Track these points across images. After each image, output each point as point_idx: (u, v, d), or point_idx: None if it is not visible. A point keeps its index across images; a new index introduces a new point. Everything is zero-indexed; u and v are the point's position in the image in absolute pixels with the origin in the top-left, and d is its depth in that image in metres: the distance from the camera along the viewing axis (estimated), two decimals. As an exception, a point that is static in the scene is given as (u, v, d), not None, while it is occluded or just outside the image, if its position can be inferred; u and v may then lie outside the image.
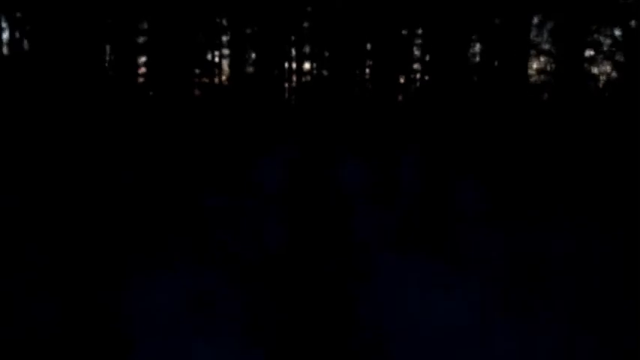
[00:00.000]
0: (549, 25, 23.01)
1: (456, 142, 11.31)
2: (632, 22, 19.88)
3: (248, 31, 24.22)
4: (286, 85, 27.97)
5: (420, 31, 25.49)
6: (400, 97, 23.64)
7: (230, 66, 23.92)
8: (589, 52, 21.35)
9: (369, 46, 26.20)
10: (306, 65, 28.67)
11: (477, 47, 23.09)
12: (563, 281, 4.62)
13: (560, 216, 7.22)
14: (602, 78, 21.80)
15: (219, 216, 6.34)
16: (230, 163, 9.77)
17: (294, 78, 28.38)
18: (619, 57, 21.31)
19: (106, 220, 5.66)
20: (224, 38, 26.30)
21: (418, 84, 26.57)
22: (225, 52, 26.49)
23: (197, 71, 24.57)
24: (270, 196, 7.43)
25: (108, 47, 23.44)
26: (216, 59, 26.59)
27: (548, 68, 23.62)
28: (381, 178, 8.55)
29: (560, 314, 4.15)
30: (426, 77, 25.87)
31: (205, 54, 24.76)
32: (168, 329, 3.81)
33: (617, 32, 21.50)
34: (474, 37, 20.58)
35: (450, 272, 4.88)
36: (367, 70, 27.26)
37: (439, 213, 6.08)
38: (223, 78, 27.07)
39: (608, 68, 22.63)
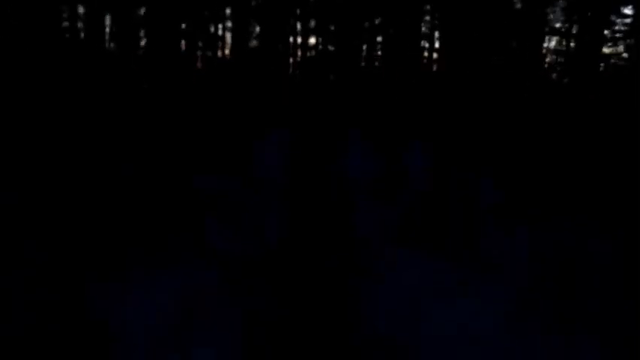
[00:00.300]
0: (562, 4, 22.74)
1: (465, 130, 11.32)
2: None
3: (252, 3, 23.97)
4: (291, 60, 27.74)
5: (428, 7, 25.19)
6: (408, 76, 23.45)
7: (233, 39, 23.73)
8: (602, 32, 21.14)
9: (377, 21, 25.95)
10: (312, 40, 28.38)
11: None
12: (564, 281, 4.64)
13: (573, 214, 7.20)
14: (613, 60, 21.62)
15: (220, 208, 6.32)
16: (231, 146, 9.72)
17: (299, 53, 28.13)
18: (632, 39, 21.10)
19: (105, 215, 5.70)
20: (227, 10, 26.04)
21: (425, 61, 26.29)
22: (229, 24, 26.22)
23: (200, 44, 24.52)
24: (271, 182, 7.37)
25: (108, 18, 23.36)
26: (220, 32, 26.35)
27: (559, 48, 23.42)
28: (385, 168, 8.47)
29: (563, 313, 4.18)
30: (434, 55, 25.66)
31: (208, 26, 24.57)
32: (165, 331, 3.85)
33: (631, 12, 21.27)
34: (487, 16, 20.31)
35: (453, 270, 4.87)
36: (376, 46, 27.04)
37: (444, 208, 6.06)
38: (227, 52, 26.88)
39: (620, 49, 22.42)
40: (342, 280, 4.36)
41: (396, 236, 5.47)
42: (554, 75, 22.95)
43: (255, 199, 6.55)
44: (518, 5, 21.22)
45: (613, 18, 21.45)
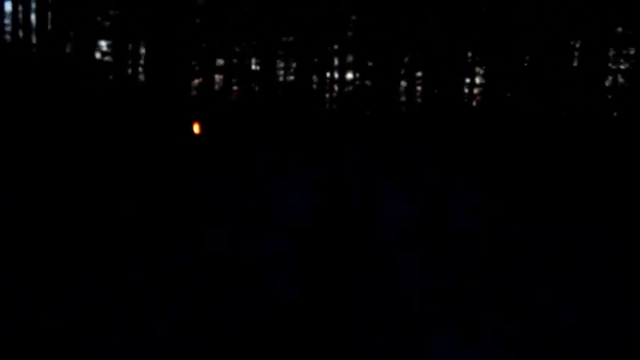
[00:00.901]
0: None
1: (509, 165, 11.32)
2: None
3: (283, 39, 24.63)
4: (327, 95, 28.15)
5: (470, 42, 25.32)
6: (452, 113, 23.40)
7: (261, 74, 24.38)
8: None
9: (418, 55, 26.22)
10: (349, 75, 28.78)
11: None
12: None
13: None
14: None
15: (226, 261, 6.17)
16: (251, 180, 9.79)
17: (336, 88, 28.52)
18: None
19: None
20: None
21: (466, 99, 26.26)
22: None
23: (234, 79, 25.31)
24: (294, 226, 7.02)
25: (143, 51, 24.32)
26: (257, 67, 27.08)
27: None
28: (430, 213, 7.79)
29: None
30: (475, 90, 25.65)
31: (243, 61, 25.34)
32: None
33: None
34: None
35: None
36: (416, 82, 27.23)
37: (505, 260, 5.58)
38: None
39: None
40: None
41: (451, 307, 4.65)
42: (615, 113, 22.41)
43: (275, 247, 6.32)
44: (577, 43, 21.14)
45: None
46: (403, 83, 27.15)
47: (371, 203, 8.32)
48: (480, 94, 25.07)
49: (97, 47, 24.57)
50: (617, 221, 7.04)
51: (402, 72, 26.46)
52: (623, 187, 9.20)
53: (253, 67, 26.04)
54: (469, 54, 25.90)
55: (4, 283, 4.30)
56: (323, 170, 11.23)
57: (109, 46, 24.90)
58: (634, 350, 3.83)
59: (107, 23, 24.23)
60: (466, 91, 25.88)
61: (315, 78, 25.57)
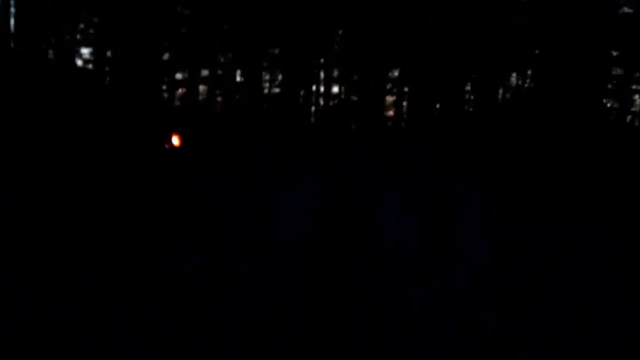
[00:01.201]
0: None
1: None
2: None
3: (271, 51, 24.79)
4: (313, 108, 28.18)
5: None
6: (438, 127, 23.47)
7: (245, 86, 24.41)
8: None
9: (403, 71, 26.42)
10: (335, 89, 28.90)
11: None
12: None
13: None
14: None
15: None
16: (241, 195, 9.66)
17: (322, 101, 28.60)
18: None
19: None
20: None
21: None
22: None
23: (218, 91, 25.34)
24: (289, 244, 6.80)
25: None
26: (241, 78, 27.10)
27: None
28: (431, 229, 7.18)
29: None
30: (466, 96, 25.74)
31: (228, 72, 25.32)
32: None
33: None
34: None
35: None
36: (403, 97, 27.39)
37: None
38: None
39: None
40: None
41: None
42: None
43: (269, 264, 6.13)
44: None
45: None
46: (389, 98, 27.32)
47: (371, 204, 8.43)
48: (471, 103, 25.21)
49: (79, 55, 24.53)
50: (617, 221, 7.23)
51: (389, 87, 26.66)
52: (623, 187, 9.45)
53: (238, 78, 26.00)
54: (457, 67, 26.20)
55: (4, 283, 4.31)
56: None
57: (91, 53, 24.81)
58: (634, 350, 3.92)
59: (90, 31, 24.19)
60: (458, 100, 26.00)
61: (301, 91, 25.70)
